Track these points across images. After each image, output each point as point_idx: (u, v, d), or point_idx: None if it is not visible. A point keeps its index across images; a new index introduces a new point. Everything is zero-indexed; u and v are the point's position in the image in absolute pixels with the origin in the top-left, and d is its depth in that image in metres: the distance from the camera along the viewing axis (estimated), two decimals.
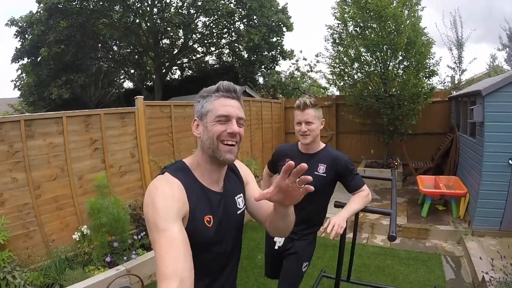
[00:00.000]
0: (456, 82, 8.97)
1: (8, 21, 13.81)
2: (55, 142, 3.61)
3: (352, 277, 3.02)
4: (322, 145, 2.16)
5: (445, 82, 8.66)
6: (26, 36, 14.02)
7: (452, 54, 9.71)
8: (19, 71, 15.75)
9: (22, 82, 15.88)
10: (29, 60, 14.77)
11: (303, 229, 2.12)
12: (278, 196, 0.98)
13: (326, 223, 1.91)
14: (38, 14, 13.35)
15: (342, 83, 7.25)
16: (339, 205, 2.24)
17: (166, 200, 0.97)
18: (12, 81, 16.36)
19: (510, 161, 3.83)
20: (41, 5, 13.04)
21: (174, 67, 18.92)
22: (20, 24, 13.90)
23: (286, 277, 2.15)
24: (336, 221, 1.90)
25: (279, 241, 2.18)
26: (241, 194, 1.28)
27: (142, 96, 4.71)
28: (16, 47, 14.47)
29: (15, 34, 14.14)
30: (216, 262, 1.18)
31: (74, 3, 12.94)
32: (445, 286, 3.33)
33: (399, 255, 4.03)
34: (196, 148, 1.21)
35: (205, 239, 1.09)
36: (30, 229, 3.44)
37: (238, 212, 1.24)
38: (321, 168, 2.05)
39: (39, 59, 14.24)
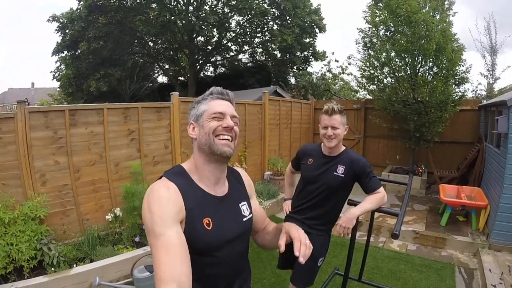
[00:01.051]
0: (489, 90, 8.68)
1: (49, 17, 14.68)
2: (96, 131, 3.96)
3: (364, 277, 3.13)
4: (343, 148, 2.31)
5: (477, 90, 8.41)
6: (67, 31, 14.84)
7: (485, 61, 9.37)
8: (58, 63, 16.67)
9: (61, 73, 16.78)
10: (68, 53, 15.62)
11: (319, 224, 2.29)
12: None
13: (338, 225, 2.09)
14: (78, 11, 14.12)
15: (371, 87, 7.26)
16: (352, 203, 2.36)
17: (162, 204, 0.98)
18: (51, 72, 17.36)
19: None
20: (81, 2, 13.79)
21: (208, 64, 19.33)
22: (61, 20, 14.73)
23: (303, 273, 2.30)
24: (342, 223, 2.07)
25: None
26: (245, 202, 1.27)
27: (177, 93, 4.99)
28: (57, 42, 15.36)
29: (56, 29, 15.01)
30: (224, 269, 1.15)
31: (113, 1, 13.58)
32: None
33: (413, 261, 4.05)
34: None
35: (205, 242, 1.07)
36: (67, 207, 3.81)
37: (244, 220, 1.22)
38: (340, 169, 2.20)
39: (78, 53, 15.03)
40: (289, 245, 2.27)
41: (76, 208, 3.86)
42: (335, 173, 2.19)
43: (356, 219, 2.11)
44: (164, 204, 0.98)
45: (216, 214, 1.12)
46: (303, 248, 1.05)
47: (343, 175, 2.18)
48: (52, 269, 3.18)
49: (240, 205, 1.24)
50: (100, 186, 4.05)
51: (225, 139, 1.13)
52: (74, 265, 3.32)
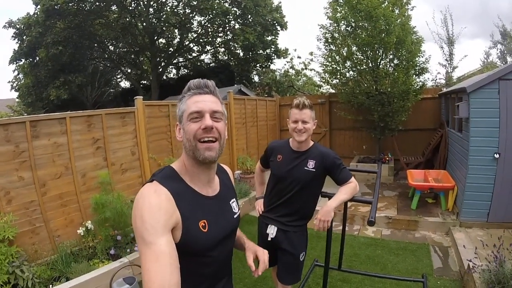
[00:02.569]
0: (448, 78, 9.16)
1: (5, 23, 13.92)
2: (59, 141, 3.77)
3: (343, 266, 3.21)
4: (311, 143, 2.31)
5: (436, 79, 8.84)
6: (24, 37, 14.13)
7: (443, 51, 9.89)
8: (16, 72, 15.83)
9: (20, 83, 15.97)
10: (26, 61, 14.87)
11: (295, 220, 2.29)
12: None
13: (316, 220, 2.11)
14: (36, 15, 13.48)
15: (334, 81, 7.44)
16: (326, 195, 2.40)
17: (152, 212, 0.94)
18: (9, 82, 16.51)
19: (495, 155, 3.99)
20: (38, 6, 13.15)
21: (170, 66, 19.11)
22: (18, 26, 14.01)
23: (288, 271, 2.31)
24: (321, 217, 2.09)
25: (271, 233, 2.30)
26: (234, 199, 1.28)
27: (141, 97, 4.87)
28: (14, 49, 14.58)
29: (12, 36, 14.26)
30: (215, 267, 1.16)
31: (71, 4, 13.05)
32: (432, 274, 3.48)
33: (388, 246, 4.21)
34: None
35: (202, 245, 1.06)
36: (36, 225, 3.59)
37: (235, 217, 1.24)
38: (311, 164, 2.20)
39: (36, 60, 14.34)
40: (268, 244, 2.16)
41: (46, 225, 3.65)
42: (305, 168, 2.20)
43: (333, 212, 2.13)
44: (155, 211, 0.94)
45: (210, 215, 1.10)
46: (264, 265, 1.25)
47: (314, 169, 2.19)
48: None
49: (230, 202, 1.25)
50: (68, 199, 3.86)
51: (208, 142, 1.06)
52: (50, 286, 3.15)
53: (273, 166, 2.36)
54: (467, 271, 3.07)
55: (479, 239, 3.82)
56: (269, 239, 2.30)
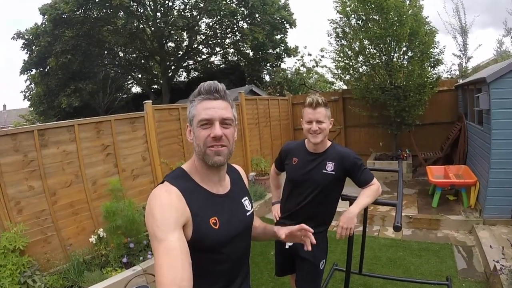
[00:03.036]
0: (463, 70, 8.85)
1: (14, 34, 14.18)
2: (68, 149, 3.74)
3: (364, 270, 3.06)
4: (329, 143, 2.14)
5: (451, 71, 8.56)
6: (33, 48, 14.36)
7: (457, 41, 9.55)
8: (28, 82, 16.12)
9: (32, 92, 16.24)
10: (37, 71, 15.10)
11: (314, 226, 2.05)
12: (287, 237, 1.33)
13: (338, 227, 1.94)
14: (43, 25, 13.68)
15: (347, 77, 7.25)
16: (346, 198, 2.26)
17: (163, 210, 0.97)
18: (22, 92, 16.79)
19: None
20: (46, 16, 13.31)
21: (180, 70, 19.15)
22: (26, 37, 14.26)
23: (308, 279, 2.15)
24: (343, 225, 1.92)
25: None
26: (246, 197, 1.30)
27: (150, 101, 4.81)
28: (24, 59, 14.85)
29: (22, 47, 14.50)
30: (229, 265, 1.16)
31: (78, 13, 13.19)
32: (457, 276, 3.32)
33: (410, 247, 4.04)
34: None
35: (213, 241, 1.08)
36: (48, 234, 3.56)
37: (248, 214, 1.26)
38: (329, 166, 2.04)
39: (47, 69, 14.58)
40: (285, 252, 2.08)
41: (57, 233, 3.62)
42: (324, 171, 2.03)
43: (356, 218, 1.97)
44: (166, 209, 0.97)
45: (222, 213, 1.13)
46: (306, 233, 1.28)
47: (333, 172, 2.03)
48: None
49: (242, 200, 1.26)
50: (79, 207, 3.82)
51: (217, 148, 1.09)
52: None
53: (289, 170, 2.20)
54: (494, 273, 2.90)
55: (505, 237, 3.64)
56: (286, 246, 2.15)
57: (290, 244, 2.13)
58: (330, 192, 2.08)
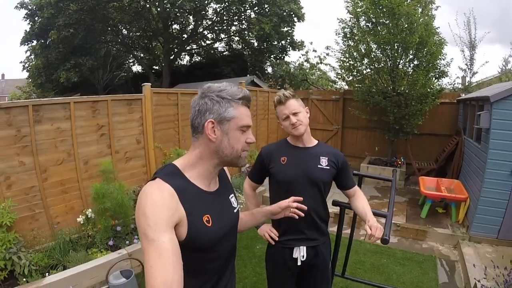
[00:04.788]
0: (466, 83, 8.84)
1: (17, 3, 13.80)
2: (62, 127, 3.68)
3: (347, 273, 3.08)
4: (315, 140, 2.05)
5: (454, 84, 8.55)
6: (36, 19, 14.05)
7: (464, 55, 9.52)
8: (28, 53, 15.83)
9: (31, 63, 15.94)
10: (38, 42, 14.83)
11: (320, 231, 2.00)
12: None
13: (373, 228, 1.69)
14: None
15: (350, 78, 7.21)
16: (338, 204, 2.24)
17: (155, 209, 0.94)
18: (21, 62, 16.50)
19: None
20: None
21: (183, 53, 18.89)
22: (30, 7, 13.92)
23: (323, 281, 2.05)
24: (376, 225, 1.71)
25: (301, 255, 1.93)
26: (232, 194, 1.30)
27: (150, 83, 4.75)
28: (26, 30, 14.55)
29: (24, 17, 14.19)
30: (221, 261, 1.18)
31: None
32: None
33: (395, 255, 4.08)
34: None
35: (208, 239, 1.08)
36: (36, 211, 3.53)
37: (235, 211, 1.27)
38: (324, 161, 1.93)
39: (48, 41, 14.28)
40: (290, 273, 1.99)
41: (45, 211, 3.58)
42: (319, 166, 1.91)
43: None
44: (158, 208, 0.95)
45: (213, 210, 1.12)
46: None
47: (328, 167, 1.93)
48: (24, 279, 2.95)
49: (229, 197, 1.27)
50: (69, 186, 3.78)
51: (246, 152, 1.17)
52: (47, 274, 3.10)
53: (278, 172, 1.96)
54: None
55: (488, 256, 3.70)
56: (299, 263, 1.94)
57: (303, 259, 1.94)
58: (326, 188, 1.97)
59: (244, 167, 6.43)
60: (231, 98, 1.10)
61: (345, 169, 1.99)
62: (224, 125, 1.09)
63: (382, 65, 6.50)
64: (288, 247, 1.95)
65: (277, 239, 1.94)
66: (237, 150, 1.12)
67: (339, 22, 6.98)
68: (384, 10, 5.93)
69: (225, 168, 1.37)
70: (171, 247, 0.91)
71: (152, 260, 0.88)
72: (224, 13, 16.01)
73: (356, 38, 6.74)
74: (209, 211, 1.10)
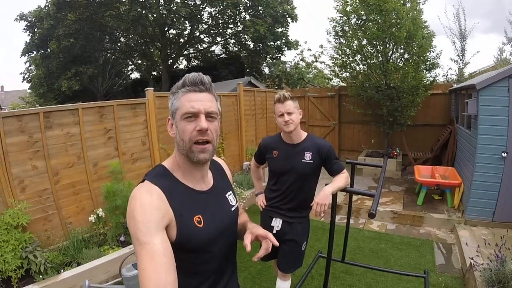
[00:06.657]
0: (460, 74, 9.01)
1: (17, 16, 14.11)
2: (72, 132, 3.89)
3: (347, 259, 3.27)
4: (305, 134, 2.36)
5: (447, 75, 8.71)
6: (35, 30, 14.33)
7: (455, 46, 9.71)
8: (28, 64, 16.09)
9: (31, 74, 16.19)
10: (38, 53, 15.08)
11: (298, 212, 2.37)
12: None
13: (314, 203, 2.07)
14: (47, 8, 13.64)
15: (344, 74, 7.40)
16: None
17: (145, 211, 0.93)
18: (21, 73, 16.76)
19: (502, 153, 3.94)
20: None
21: (181, 57, 19.07)
22: (29, 19, 14.21)
23: (292, 260, 2.39)
24: (319, 201, 2.04)
25: (277, 226, 2.38)
26: (231, 192, 1.27)
27: (152, 88, 4.95)
28: (26, 41, 14.82)
29: (24, 29, 14.47)
30: (218, 262, 1.15)
31: None
32: (434, 270, 3.51)
33: (393, 240, 4.25)
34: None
35: (200, 240, 1.05)
36: (49, 212, 3.73)
37: (232, 209, 1.23)
38: (308, 156, 2.26)
39: (48, 52, 14.53)
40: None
41: (58, 212, 3.79)
42: (303, 160, 2.26)
43: (331, 196, 2.13)
44: (147, 210, 0.93)
45: (205, 210, 1.09)
46: (267, 246, 1.15)
47: (312, 161, 2.25)
48: (40, 276, 3.13)
49: (226, 195, 1.23)
50: (80, 187, 3.99)
51: (201, 144, 1.04)
52: (62, 270, 3.28)
53: (271, 163, 2.41)
54: (469, 269, 3.09)
55: (483, 238, 3.81)
56: (274, 231, 2.36)
57: (278, 228, 2.36)
58: (309, 179, 2.32)
59: (245, 165, 6.62)
60: (175, 90, 1.08)
61: (329, 159, 2.27)
62: (175, 119, 1.07)
63: (374, 60, 6.67)
64: (269, 216, 2.45)
65: (264, 206, 2.51)
66: (185, 141, 1.04)
67: (330, 21, 7.16)
68: (373, 7, 6.09)
69: (224, 165, 1.36)
70: (163, 249, 0.90)
71: (144, 263, 0.87)
72: (219, 16, 16.21)
73: (347, 35, 6.90)
74: (201, 211, 1.08)
